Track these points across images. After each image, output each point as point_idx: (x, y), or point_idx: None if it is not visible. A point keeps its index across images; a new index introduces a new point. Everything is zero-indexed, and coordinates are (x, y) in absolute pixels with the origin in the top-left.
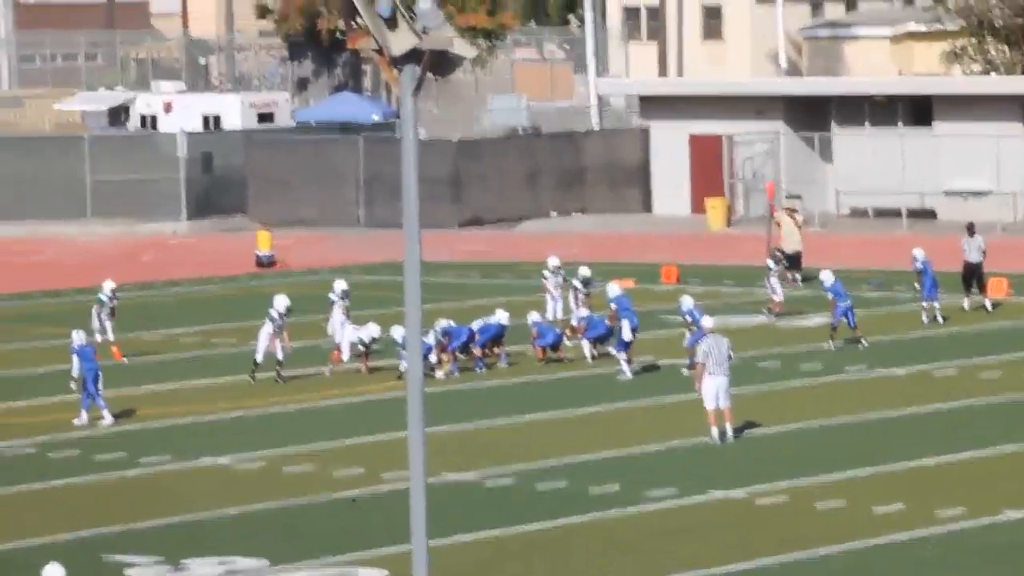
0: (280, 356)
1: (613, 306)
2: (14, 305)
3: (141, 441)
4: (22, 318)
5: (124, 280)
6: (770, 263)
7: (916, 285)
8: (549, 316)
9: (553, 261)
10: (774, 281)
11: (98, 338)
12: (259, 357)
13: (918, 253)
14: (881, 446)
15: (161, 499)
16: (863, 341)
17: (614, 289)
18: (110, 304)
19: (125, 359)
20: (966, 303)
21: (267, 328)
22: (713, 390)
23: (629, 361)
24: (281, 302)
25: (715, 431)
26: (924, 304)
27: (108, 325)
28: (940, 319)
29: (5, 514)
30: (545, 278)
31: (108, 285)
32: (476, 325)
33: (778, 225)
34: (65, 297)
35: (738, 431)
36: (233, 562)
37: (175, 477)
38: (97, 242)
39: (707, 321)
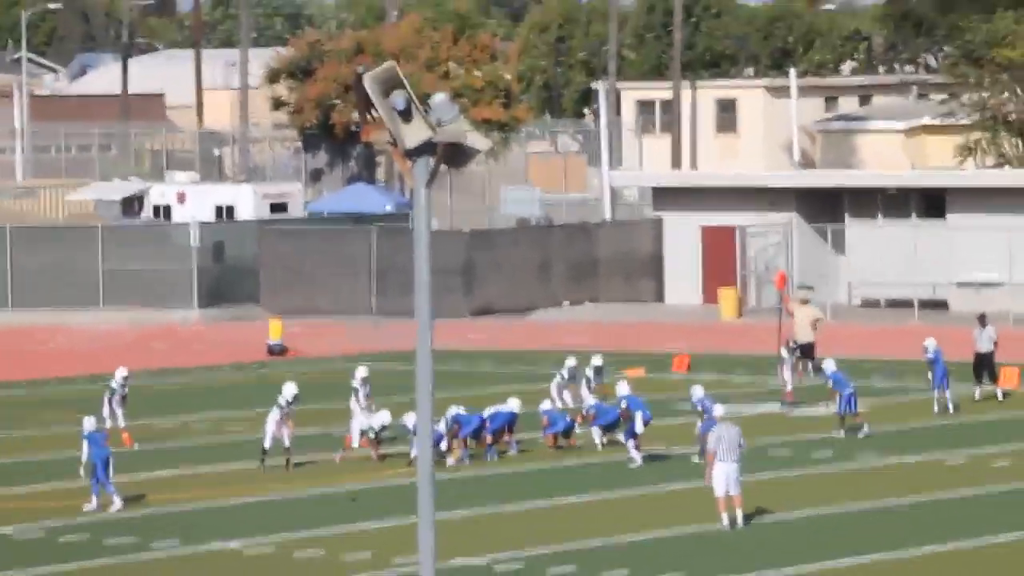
0: (287, 443)
1: (624, 404)
2: (27, 392)
3: (151, 526)
4: (34, 405)
5: (136, 367)
6: (783, 352)
7: (928, 375)
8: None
9: (569, 361)
10: (787, 372)
11: (108, 424)
12: (267, 443)
13: (929, 343)
14: (891, 533)
15: None
16: (865, 428)
17: (623, 388)
18: (121, 391)
19: (135, 445)
20: (977, 393)
21: (274, 415)
22: (723, 477)
23: (638, 448)
24: (289, 390)
25: (725, 518)
26: (935, 394)
27: (119, 412)
28: (951, 408)
29: None
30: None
31: (120, 373)
32: (487, 412)
33: (791, 315)
34: (77, 384)
35: (748, 518)
36: None
37: (185, 562)
38: (109, 330)
39: (718, 409)
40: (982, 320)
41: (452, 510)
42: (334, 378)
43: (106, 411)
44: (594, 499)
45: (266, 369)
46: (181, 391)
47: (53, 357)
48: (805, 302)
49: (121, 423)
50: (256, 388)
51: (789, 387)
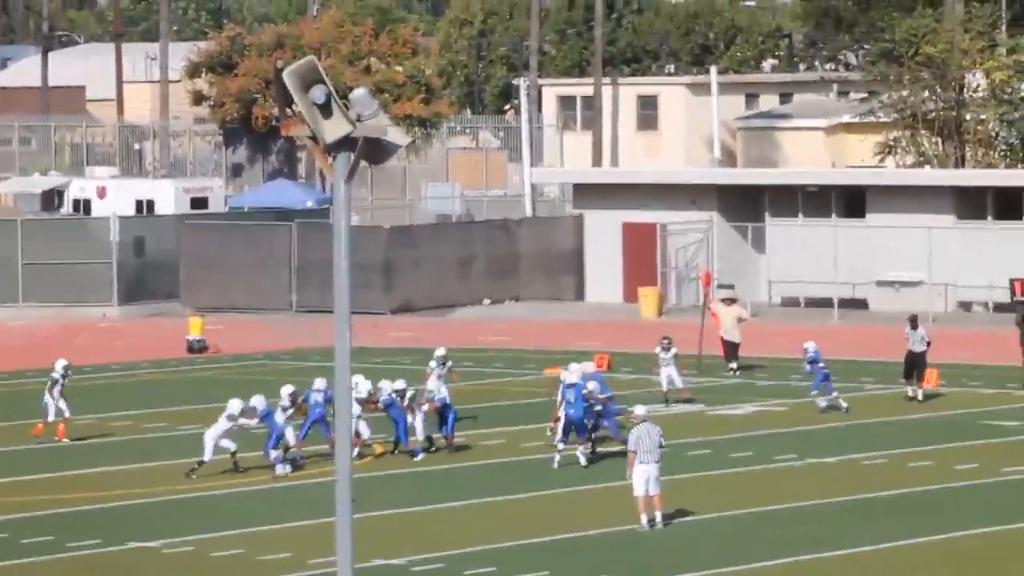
0: (233, 447)
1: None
2: None
3: (71, 525)
4: None
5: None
6: (659, 351)
7: (807, 370)
8: None
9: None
10: (671, 370)
11: (50, 417)
12: (207, 456)
13: (809, 345)
14: (811, 534)
15: None
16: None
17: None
18: (62, 382)
19: (66, 440)
20: (911, 391)
21: (220, 428)
22: (643, 477)
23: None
24: (235, 405)
25: (644, 518)
26: (814, 394)
27: (63, 403)
28: (844, 408)
29: None
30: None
31: (60, 363)
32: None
33: (714, 315)
34: None
35: (668, 518)
36: None
37: (103, 560)
38: (29, 325)
39: (639, 409)
40: (913, 322)
41: (371, 511)
42: (253, 374)
43: (47, 401)
44: (511, 499)
45: (186, 366)
46: (101, 388)
47: None
48: (732, 301)
49: (67, 413)
50: (176, 385)
51: (666, 386)
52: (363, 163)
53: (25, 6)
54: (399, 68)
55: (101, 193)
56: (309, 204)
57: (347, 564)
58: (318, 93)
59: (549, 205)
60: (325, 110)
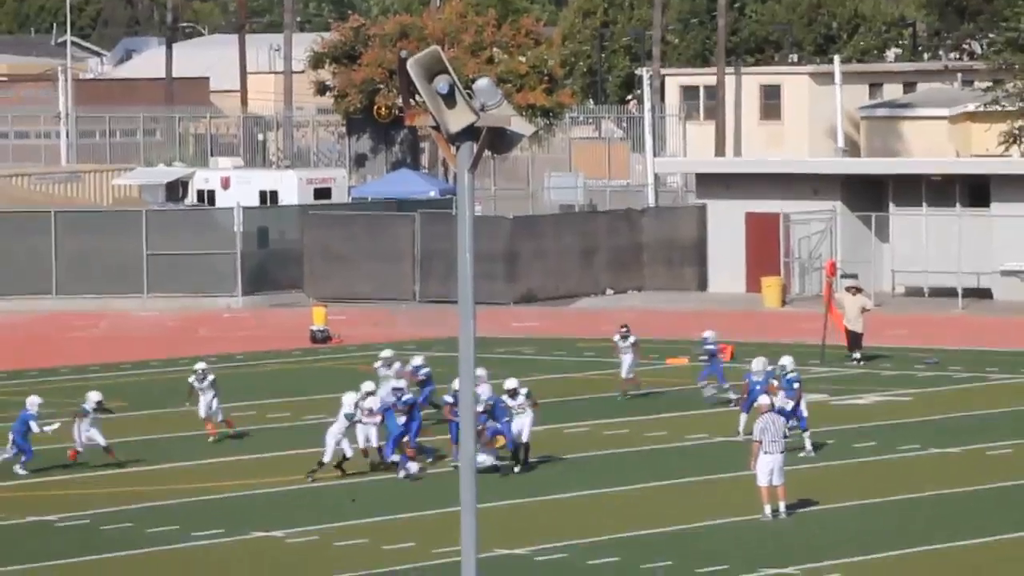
0: (350, 453)
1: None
2: (70, 379)
3: (194, 515)
4: (78, 391)
5: (181, 354)
6: (617, 339)
7: (704, 365)
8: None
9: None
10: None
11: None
12: (327, 458)
13: (709, 334)
14: (934, 524)
15: (212, 573)
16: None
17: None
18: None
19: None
20: None
21: (339, 427)
22: (767, 467)
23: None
24: (349, 399)
25: (768, 508)
26: (702, 384)
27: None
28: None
29: None
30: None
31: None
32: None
33: (832, 308)
34: (121, 371)
35: (791, 509)
36: None
37: (227, 550)
38: (153, 316)
39: (763, 399)
40: None
41: (494, 501)
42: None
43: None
44: (635, 489)
45: (310, 357)
46: (225, 378)
47: (97, 343)
48: (857, 290)
49: (218, 417)
50: (299, 375)
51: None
52: (486, 153)
53: None
54: (522, 58)
55: (225, 184)
56: (432, 194)
57: (471, 554)
58: (442, 83)
59: (672, 195)
60: (449, 100)
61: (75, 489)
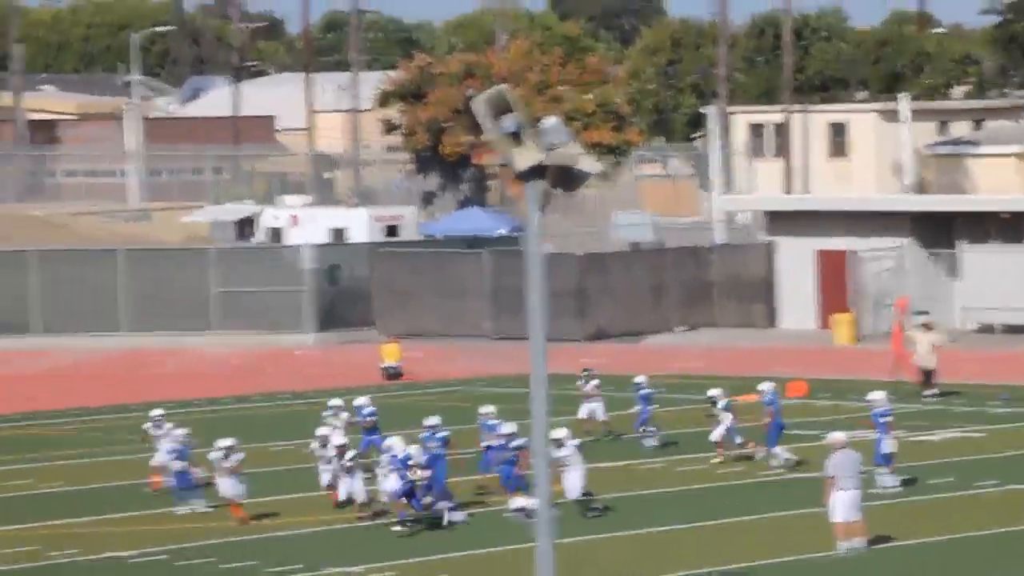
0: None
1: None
2: (141, 415)
3: (271, 550)
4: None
5: (250, 391)
6: (580, 383)
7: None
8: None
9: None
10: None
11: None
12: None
13: (641, 379)
14: (1010, 562)
15: None
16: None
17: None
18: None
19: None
20: None
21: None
22: (843, 504)
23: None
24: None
25: (844, 544)
26: (639, 430)
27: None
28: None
29: None
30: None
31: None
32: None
33: (912, 343)
34: (190, 407)
35: (867, 545)
36: None
37: None
38: (222, 353)
39: (838, 435)
40: None
41: (567, 538)
42: (448, 401)
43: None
44: (711, 525)
45: (382, 393)
46: (295, 415)
47: (166, 380)
48: (929, 327)
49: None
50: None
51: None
52: (554, 190)
53: (216, 37)
54: (588, 96)
55: (294, 221)
56: (501, 231)
57: None
58: (509, 122)
59: (740, 232)
60: (516, 138)
61: (146, 525)
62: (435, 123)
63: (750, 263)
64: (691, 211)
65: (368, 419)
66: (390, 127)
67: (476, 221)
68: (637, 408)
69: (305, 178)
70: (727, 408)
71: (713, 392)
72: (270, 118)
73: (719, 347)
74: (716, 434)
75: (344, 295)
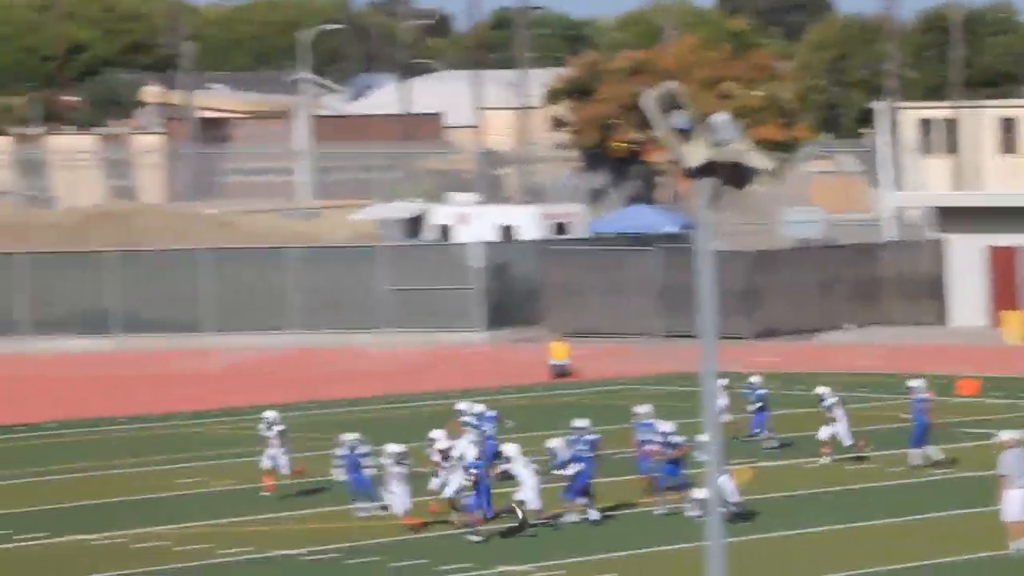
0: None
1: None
2: (310, 414)
3: (441, 549)
4: (322, 426)
5: (421, 389)
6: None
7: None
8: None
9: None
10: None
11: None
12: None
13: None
14: None
15: None
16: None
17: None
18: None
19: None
20: None
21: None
22: (1017, 503)
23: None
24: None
25: (1017, 544)
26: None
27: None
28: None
29: None
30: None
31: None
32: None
33: None
34: (360, 406)
35: None
36: None
37: None
38: (391, 352)
39: (1010, 434)
40: None
41: (738, 536)
42: (616, 400)
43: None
44: (883, 524)
45: (549, 391)
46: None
47: (335, 379)
48: None
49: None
50: (540, 410)
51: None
52: (724, 187)
53: (385, 34)
54: (756, 93)
55: (462, 219)
56: (670, 229)
57: None
58: (680, 118)
59: (910, 229)
60: (687, 135)
61: (317, 523)
62: (604, 120)
63: (920, 260)
64: (861, 208)
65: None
66: (559, 124)
67: (644, 218)
68: (751, 408)
69: (473, 176)
70: (837, 407)
71: (821, 390)
72: (438, 115)
73: (889, 345)
74: (824, 433)
75: (512, 293)
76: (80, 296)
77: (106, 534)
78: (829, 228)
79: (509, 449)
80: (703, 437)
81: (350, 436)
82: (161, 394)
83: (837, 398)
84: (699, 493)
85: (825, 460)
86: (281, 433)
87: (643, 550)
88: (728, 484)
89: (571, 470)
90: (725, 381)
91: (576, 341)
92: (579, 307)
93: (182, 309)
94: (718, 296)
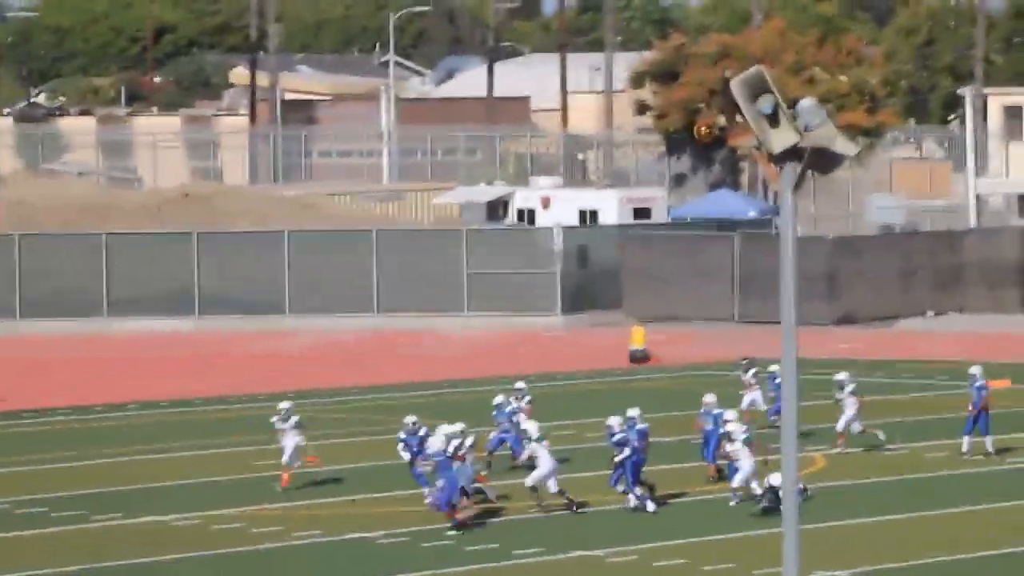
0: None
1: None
2: (393, 396)
3: (514, 533)
4: (402, 410)
5: (500, 372)
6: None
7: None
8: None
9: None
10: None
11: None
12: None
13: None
14: None
15: None
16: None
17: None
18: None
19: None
20: None
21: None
22: None
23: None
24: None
25: None
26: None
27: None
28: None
29: None
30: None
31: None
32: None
33: None
34: (442, 389)
35: None
36: None
37: (548, 569)
38: (474, 334)
39: None
40: None
41: (813, 523)
42: (695, 385)
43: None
44: (961, 512)
45: (628, 376)
46: (545, 397)
47: (419, 361)
48: None
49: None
50: (618, 395)
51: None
52: (809, 173)
53: (472, 17)
54: (843, 78)
55: (545, 203)
56: (751, 214)
57: (792, 574)
58: (766, 103)
59: (994, 216)
60: (772, 120)
61: (391, 507)
62: (689, 104)
63: (1003, 247)
64: (944, 194)
65: (527, 406)
66: (643, 108)
67: (726, 204)
68: (773, 394)
69: (557, 159)
70: (852, 394)
71: (840, 377)
72: (525, 99)
73: (970, 332)
74: (841, 423)
75: (593, 277)
76: (163, 277)
77: (183, 515)
78: (912, 214)
79: (532, 428)
80: (732, 425)
81: (411, 418)
82: (241, 375)
83: (854, 384)
84: (775, 479)
85: (837, 450)
86: (297, 424)
87: (713, 537)
88: (751, 473)
89: (619, 456)
90: (755, 370)
91: (655, 326)
92: (659, 292)
93: (264, 290)
94: (798, 282)
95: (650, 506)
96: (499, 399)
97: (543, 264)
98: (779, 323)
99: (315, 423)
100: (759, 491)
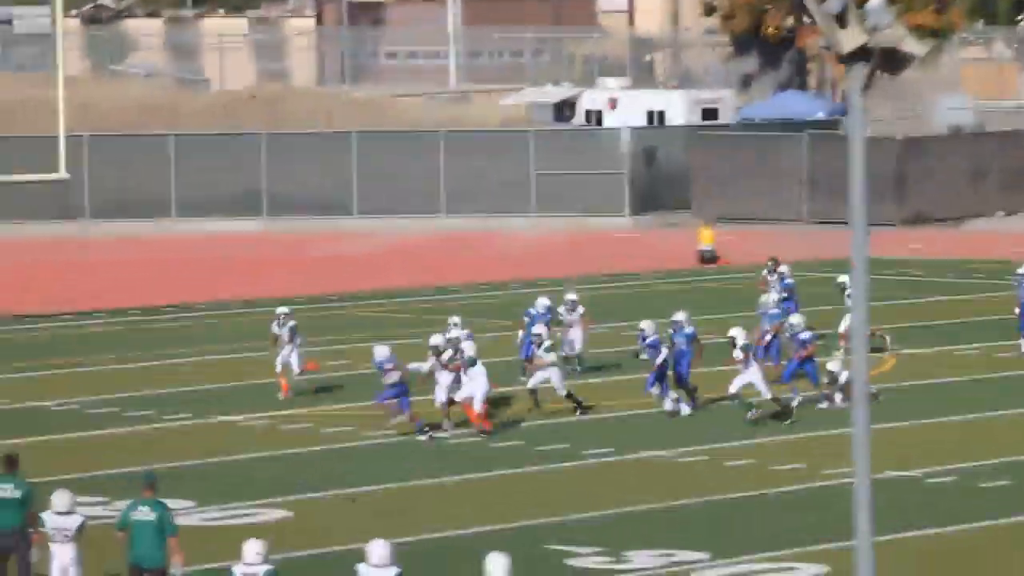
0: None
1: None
2: (456, 297)
3: (584, 433)
4: (468, 312)
5: (567, 273)
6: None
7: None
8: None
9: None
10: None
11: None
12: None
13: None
14: None
15: (602, 491)
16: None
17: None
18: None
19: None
20: None
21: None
22: None
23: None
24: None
25: None
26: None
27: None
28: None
29: (449, 502)
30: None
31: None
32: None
33: None
34: (510, 290)
35: None
36: (672, 554)
37: (617, 469)
38: (541, 236)
39: None
40: None
41: (885, 422)
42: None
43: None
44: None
45: (697, 277)
46: (613, 298)
47: (486, 262)
48: None
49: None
50: (688, 296)
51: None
52: (877, 73)
53: None
54: None
55: (612, 104)
56: (820, 115)
57: (864, 475)
58: (835, 3)
59: None
60: (841, 20)
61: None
62: (756, 5)
63: None
64: (1013, 94)
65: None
66: (710, 8)
67: (794, 104)
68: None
69: (624, 60)
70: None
71: (843, 279)
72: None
73: None
74: (843, 326)
75: (661, 178)
76: (230, 178)
77: (252, 414)
78: (980, 115)
79: (542, 330)
80: (735, 331)
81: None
82: (309, 277)
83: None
84: (844, 376)
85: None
86: (292, 330)
87: (778, 437)
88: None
89: (658, 358)
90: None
91: (723, 226)
92: (727, 193)
93: (330, 192)
94: (868, 183)
95: (684, 409)
96: (545, 302)
97: (611, 165)
98: (848, 223)
99: (382, 323)
100: (769, 395)
